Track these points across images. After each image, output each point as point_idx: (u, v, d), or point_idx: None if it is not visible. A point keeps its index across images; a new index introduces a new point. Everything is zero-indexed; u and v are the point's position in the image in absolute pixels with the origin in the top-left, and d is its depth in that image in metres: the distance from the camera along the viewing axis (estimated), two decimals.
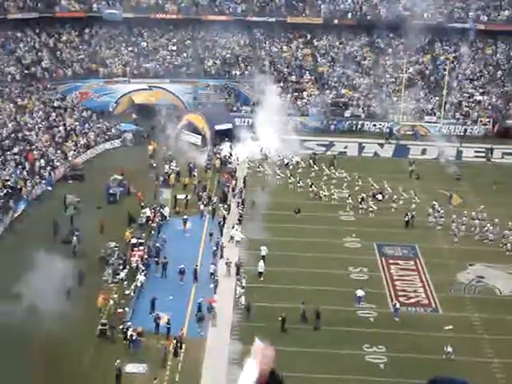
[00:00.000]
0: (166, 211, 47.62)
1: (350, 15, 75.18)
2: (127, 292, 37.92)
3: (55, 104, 63.37)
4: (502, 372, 31.95)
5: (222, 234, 45.20)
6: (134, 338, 33.58)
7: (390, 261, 43.02)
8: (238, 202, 49.67)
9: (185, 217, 47.05)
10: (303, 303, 36.28)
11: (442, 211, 48.34)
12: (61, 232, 43.80)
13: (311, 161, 57.64)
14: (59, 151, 55.95)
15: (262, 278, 40.12)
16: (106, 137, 61.39)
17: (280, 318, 35.10)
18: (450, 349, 33.08)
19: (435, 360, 32.91)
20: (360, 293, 38.12)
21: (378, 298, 38.67)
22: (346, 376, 31.70)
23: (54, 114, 61.42)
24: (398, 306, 37.28)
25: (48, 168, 52.97)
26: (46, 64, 68.09)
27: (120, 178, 51.51)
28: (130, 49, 72.35)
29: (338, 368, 32.45)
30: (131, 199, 49.55)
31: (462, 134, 66.45)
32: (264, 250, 42.09)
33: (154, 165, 54.91)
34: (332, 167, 56.62)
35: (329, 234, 45.93)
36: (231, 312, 37.07)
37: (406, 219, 47.16)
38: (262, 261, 40.61)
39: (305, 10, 75.48)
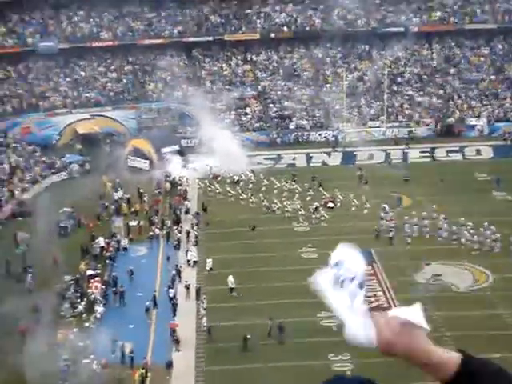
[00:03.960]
0: (125, 241, 47.09)
1: (285, 28, 75.87)
2: (87, 325, 37.41)
3: None
4: None
5: (179, 257, 45.07)
6: (97, 371, 33.11)
7: None
8: (193, 224, 49.52)
9: (151, 233, 47.64)
10: (270, 319, 36.19)
11: (392, 214, 48.87)
12: (14, 270, 43.07)
13: (292, 180, 56.42)
14: (5, 189, 55.06)
15: (234, 294, 40.08)
16: (52, 170, 60.66)
17: (244, 338, 35.01)
18: None
19: (400, 362, 33.08)
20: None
21: None
22: None
23: None
24: None
25: None
26: None
27: (69, 210, 50.91)
28: (68, 79, 71.75)
29: (305, 380, 32.40)
30: (83, 231, 48.99)
31: (406, 136, 67.43)
32: (210, 263, 42.93)
33: (106, 204, 53.29)
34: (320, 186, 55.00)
35: (285, 246, 46.03)
36: (194, 335, 36.85)
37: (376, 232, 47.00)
38: (231, 276, 40.59)
39: (241, 26, 75.94)
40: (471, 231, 45.47)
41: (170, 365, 33.90)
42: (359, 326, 2.62)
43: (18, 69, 71.34)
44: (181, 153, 62.20)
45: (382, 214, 48.82)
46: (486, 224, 45.56)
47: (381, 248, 45.32)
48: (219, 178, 58.08)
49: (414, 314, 2.62)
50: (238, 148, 61.19)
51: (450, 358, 2.63)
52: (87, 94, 70.68)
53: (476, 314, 37.18)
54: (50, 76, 71.60)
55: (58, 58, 72.29)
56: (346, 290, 2.70)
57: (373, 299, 39.58)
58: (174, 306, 38.87)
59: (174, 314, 38.28)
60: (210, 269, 43.10)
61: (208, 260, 43.44)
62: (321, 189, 54.32)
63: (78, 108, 69.00)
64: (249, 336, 35.00)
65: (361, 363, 33.46)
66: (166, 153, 61.50)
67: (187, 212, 51.95)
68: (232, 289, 40.40)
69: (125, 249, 46.69)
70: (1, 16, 72.88)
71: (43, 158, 61.88)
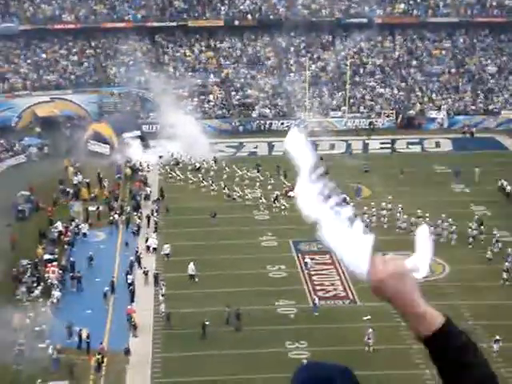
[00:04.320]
0: (85, 227, 46.62)
1: (249, 16, 75.68)
2: (43, 309, 37.09)
3: None
4: (420, 357, 32.66)
5: (137, 243, 44.84)
6: (53, 356, 32.88)
7: (307, 256, 43.48)
8: (153, 210, 49.27)
9: (110, 218, 47.50)
10: (228, 306, 36.28)
11: (352, 204, 49.12)
12: None
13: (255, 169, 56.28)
14: None
15: (196, 280, 40.06)
16: (11, 153, 59.83)
17: (203, 324, 35.05)
18: (370, 339, 33.74)
19: (357, 351, 33.47)
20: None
21: (297, 294, 39.05)
22: (271, 375, 31.83)
23: None
24: (316, 300, 37.77)
25: None
26: None
27: (27, 193, 50.32)
28: (28, 61, 70.72)
29: (262, 367, 32.58)
30: (41, 215, 48.46)
31: (367, 127, 67.82)
32: (167, 249, 42.84)
33: (66, 189, 52.73)
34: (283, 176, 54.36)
35: (245, 234, 46.11)
36: (152, 321, 36.78)
37: None
38: (192, 263, 40.55)
39: (205, 12, 75.54)
40: (428, 223, 45.90)
41: (127, 351, 33.79)
42: (355, 256, 2.61)
43: None
44: (142, 138, 61.80)
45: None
46: (443, 216, 46.11)
47: None
48: (180, 165, 57.89)
49: (415, 260, 2.62)
50: (200, 135, 61.02)
51: (435, 316, 2.65)
52: (48, 77, 69.79)
53: (432, 304, 37.47)
54: (10, 57, 70.53)
55: (18, 40, 71.24)
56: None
57: (330, 288, 39.95)
58: (132, 292, 38.73)
59: (132, 300, 38.15)
60: (167, 254, 43.00)
61: (165, 246, 43.31)
62: (282, 178, 54.44)
63: (38, 90, 68.10)
64: (207, 322, 35.04)
65: (317, 351, 33.75)
66: (127, 138, 61.03)
67: (147, 198, 51.67)
68: (192, 276, 40.40)
69: (84, 234, 46.32)
70: None
71: (1, 141, 61.02)
